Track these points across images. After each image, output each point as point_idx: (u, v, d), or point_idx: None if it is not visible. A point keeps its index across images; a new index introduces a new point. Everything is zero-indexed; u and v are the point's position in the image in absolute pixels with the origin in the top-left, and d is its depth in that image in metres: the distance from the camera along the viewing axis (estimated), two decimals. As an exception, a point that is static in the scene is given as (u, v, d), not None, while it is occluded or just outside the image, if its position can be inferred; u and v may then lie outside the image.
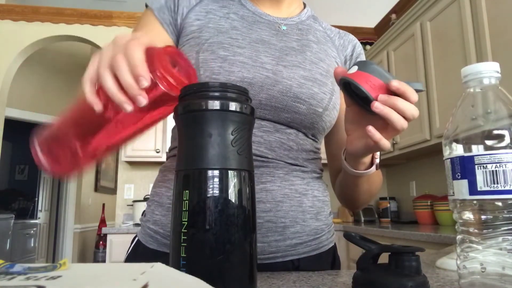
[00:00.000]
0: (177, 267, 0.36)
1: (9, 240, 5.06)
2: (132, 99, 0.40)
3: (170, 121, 1.39)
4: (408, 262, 0.39)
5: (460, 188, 0.34)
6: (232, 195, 0.37)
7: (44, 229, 6.27)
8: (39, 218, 6.11)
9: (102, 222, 4.80)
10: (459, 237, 0.36)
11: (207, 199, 0.37)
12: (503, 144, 0.33)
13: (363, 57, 0.80)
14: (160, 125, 3.19)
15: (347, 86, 0.51)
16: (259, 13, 0.72)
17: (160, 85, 0.42)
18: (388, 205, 3.25)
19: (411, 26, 2.66)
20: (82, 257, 5.39)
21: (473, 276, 0.33)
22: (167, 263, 0.29)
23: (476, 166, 0.33)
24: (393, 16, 3.26)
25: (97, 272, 0.27)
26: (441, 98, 2.31)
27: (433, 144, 2.39)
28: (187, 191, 0.37)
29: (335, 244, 0.75)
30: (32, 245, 5.79)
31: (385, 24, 3.67)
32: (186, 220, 0.37)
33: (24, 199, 6.00)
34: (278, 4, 0.75)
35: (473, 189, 0.33)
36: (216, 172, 0.37)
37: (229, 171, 0.37)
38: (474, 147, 0.34)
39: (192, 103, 0.39)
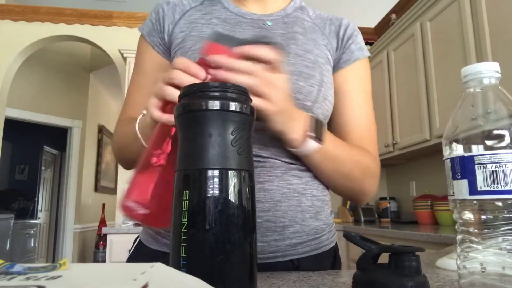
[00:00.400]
0: (177, 267, 0.36)
1: (9, 240, 5.06)
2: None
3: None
4: (408, 262, 0.39)
5: (460, 188, 0.34)
6: (232, 195, 0.37)
7: (44, 229, 6.27)
8: (39, 218, 6.12)
9: (102, 222, 4.80)
10: (459, 237, 0.36)
11: (207, 199, 0.37)
12: (503, 144, 0.33)
13: (355, 40, 0.76)
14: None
15: None
16: (242, 13, 0.72)
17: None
18: (388, 205, 3.25)
19: (411, 26, 2.66)
20: (82, 257, 5.40)
21: (473, 276, 0.33)
22: (168, 263, 0.30)
23: (476, 166, 0.33)
24: (393, 16, 3.26)
25: (97, 272, 0.27)
26: (441, 98, 2.31)
27: (433, 144, 2.39)
28: (187, 191, 0.37)
29: (336, 244, 0.74)
30: (32, 245, 5.79)
31: (385, 24, 3.67)
32: (186, 220, 0.37)
33: (24, 199, 6.00)
34: (263, 0, 0.75)
35: (473, 189, 0.33)
36: (216, 172, 0.37)
37: (229, 171, 0.37)
38: (474, 147, 0.34)
39: (192, 103, 0.39)
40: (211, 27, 0.70)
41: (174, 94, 0.49)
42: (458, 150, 0.35)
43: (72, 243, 5.13)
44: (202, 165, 0.37)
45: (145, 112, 0.60)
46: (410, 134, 2.64)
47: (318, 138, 0.60)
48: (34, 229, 5.88)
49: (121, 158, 0.74)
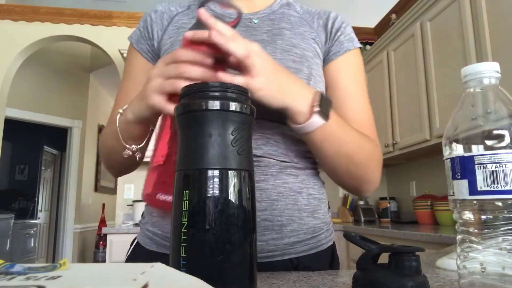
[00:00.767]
0: (177, 267, 0.36)
1: (9, 240, 5.06)
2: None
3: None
4: (408, 262, 0.39)
5: (460, 188, 0.34)
6: (232, 195, 0.37)
7: (44, 229, 6.27)
8: (39, 218, 6.12)
9: (102, 222, 4.80)
10: (459, 237, 0.36)
11: (207, 199, 0.37)
12: (503, 144, 0.33)
13: (343, 31, 0.75)
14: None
15: None
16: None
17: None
18: (388, 205, 3.25)
19: (411, 26, 2.66)
20: (82, 257, 5.40)
21: (473, 276, 0.33)
22: (166, 264, 0.29)
23: (476, 166, 0.33)
24: (393, 16, 3.26)
25: (97, 272, 0.27)
26: (441, 98, 2.31)
27: (433, 144, 2.39)
28: (187, 191, 0.37)
29: (334, 242, 0.74)
30: (32, 245, 5.79)
31: (385, 24, 3.67)
32: (186, 220, 0.37)
33: (24, 199, 6.00)
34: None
35: (473, 189, 0.33)
36: (216, 172, 0.37)
37: (229, 171, 0.37)
38: (474, 147, 0.34)
39: (192, 103, 0.39)
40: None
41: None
42: (458, 150, 0.35)
43: (72, 243, 5.13)
44: (202, 165, 0.37)
45: (121, 111, 0.62)
46: (410, 134, 2.64)
47: (325, 114, 0.57)
48: (34, 229, 5.88)
49: (110, 164, 0.74)
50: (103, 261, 4.33)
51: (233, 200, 0.37)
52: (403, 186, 3.33)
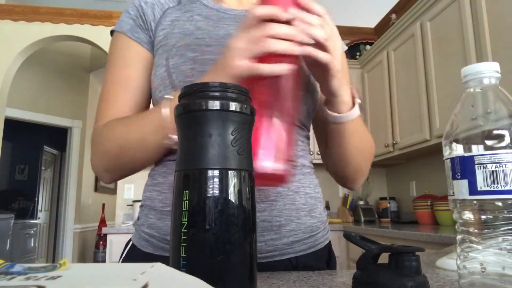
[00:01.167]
0: (177, 267, 0.36)
1: (9, 240, 5.06)
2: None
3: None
4: (408, 262, 0.39)
5: (460, 188, 0.34)
6: (232, 195, 0.37)
7: (44, 229, 6.27)
8: (39, 218, 6.12)
9: (102, 222, 4.81)
10: (459, 237, 0.36)
11: (207, 199, 0.37)
12: (503, 144, 0.33)
13: (336, 33, 0.81)
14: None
15: None
16: (223, 9, 0.72)
17: None
18: (388, 205, 3.25)
19: (411, 26, 2.66)
20: (82, 257, 5.40)
21: (473, 276, 0.33)
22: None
23: (476, 166, 0.33)
24: (393, 16, 3.26)
25: (97, 272, 0.27)
26: (441, 98, 2.31)
27: (433, 144, 2.39)
28: (187, 191, 0.37)
29: (329, 241, 0.75)
30: (32, 245, 5.79)
31: (385, 24, 3.67)
32: (186, 220, 0.37)
33: (24, 199, 6.00)
34: None
35: (473, 189, 0.33)
36: (216, 172, 0.37)
37: (229, 171, 0.37)
38: (474, 147, 0.34)
39: (192, 103, 0.39)
40: (194, 23, 0.69)
41: (287, 45, 0.48)
42: (458, 150, 0.35)
43: (72, 243, 5.13)
44: (202, 165, 0.37)
45: (171, 96, 0.57)
46: (410, 134, 2.64)
47: (361, 107, 0.62)
48: (34, 229, 5.88)
49: (122, 163, 0.65)
50: (103, 261, 4.33)
51: (233, 200, 0.37)
52: (403, 186, 3.33)
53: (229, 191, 0.37)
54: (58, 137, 5.76)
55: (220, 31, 0.68)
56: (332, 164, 0.75)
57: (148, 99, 0.74)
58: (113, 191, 5.94)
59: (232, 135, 0.38)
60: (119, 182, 3.46)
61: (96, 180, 5.82)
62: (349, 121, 0.62)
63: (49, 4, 3.62)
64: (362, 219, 3.26)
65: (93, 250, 5.17)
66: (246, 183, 0.39)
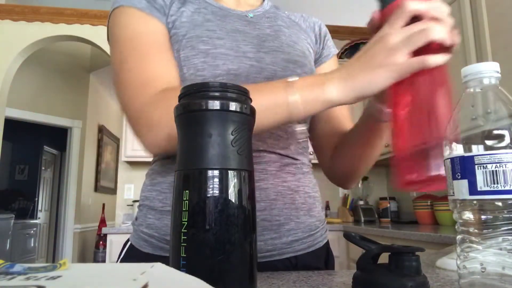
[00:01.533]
0: (177, 267, 0.36)
1: (9, 240, 5.06)
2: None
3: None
4: (408, 262, 0.39)
5: (460, 188, 0.34)
6: (232, 195, 0.37)
7: (44, 229, 6.27)
8: (39, 218, 6.12)
9: (102, 222, 4.80)
10: (459, 237, 0.36)
11: (207, 199, 0.37)
12: (503, 144, 0.33)
13: (329, 37, 0.83)
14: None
15: None
16: (226, 8, 0.73)
17: None
18: (388, 205, 3.25)
19: (411, 26, 2.65)
20: (82, 257, 5.40)
21: (473, 276, 0.33)
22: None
23: (476, 166, 0.33)
24: (393, 16, 3.26)
25: (97, 272, 0.27)
26: (441, 98, 2.31)
27: (433, 144, 2.38)
28: (187, 191, 0.37)
29: (327, 240, 0.75)
30: (32, 245, 5.79)
31: (385, 24, 3.66)
32: (186, 220, 0.37)
33: (24, 199, 6.00)
34: None
35: (473, 189, 0.33)
36: (216, 172, 0.37)
37: (229, 171, 0.37)
38: (474, 147, 0.34)
39: (192, 103, 0.39)
40: (202, 15, 0.68)
41: (446, 33, 0.49)
42: (458, 150, 0.35)
43: (72, 243, 5.13)
44: (202, 165, 0.37)
45: (296, 78, 0.52)
46: (410, 134, 2.64)
47: None
48: (34, 229, 5.88)
49: None
50: (103, 261, 4.33)
51: (233, 200, 0.37)
52: (403, 186, 3.32)
53: (229, 191, 0.37)
54: (58, 137, 5.76)
55: (228, 25, 0.68)
56: (341, 166, 0.75)
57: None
58: (113, 191, 5.95)
59: (232, 135, 0.38)
60: (119, 182, 3.47)
61: (96, 180, 5.82)
62: None
63: (49, 4, 3.62)
64: (362, 219, 3.26)
65: (93, 250, 5.17)
66: (246, 183, 0.39)
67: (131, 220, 3.25)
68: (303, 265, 0.65)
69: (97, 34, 3.61)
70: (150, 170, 0.72)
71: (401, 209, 3.31)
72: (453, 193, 0.35)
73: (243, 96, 0.40)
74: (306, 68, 0.70)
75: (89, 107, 5.48)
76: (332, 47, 0.82)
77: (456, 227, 0.36)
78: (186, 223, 0.37)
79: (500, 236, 0.32)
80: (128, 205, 3.37)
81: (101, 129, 5.95)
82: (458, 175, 0.35)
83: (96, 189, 5.80)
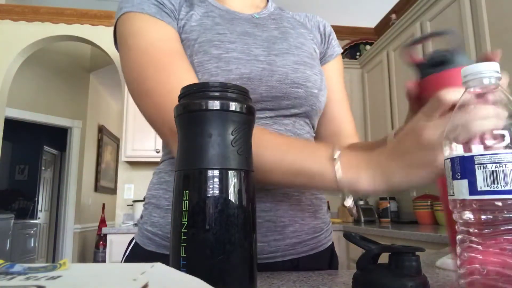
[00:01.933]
0: (177, 267, 0.36)
1: (9, 240, 5.06)
2: None
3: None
4: (408, 262, 0.39)
5: (460, 188, 0.34)
6: (232, 195, 0.37)
7: (44, 229, 6.27)
8: (39, 218, 6.12)
9: (102, 222, 4.80)
10: (459, 237, 0.36)
11: (207, 199, 0.37)
12: (503, 144, 0.33)
13: (334, 36, 0.83)
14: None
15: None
16: (232, 11, 0.73)
17: None
18: (388, 205, 3.25)
19: (411, 26, 2.66)
20: (82, 257, 5.40)
21: (473, 276, 0.33)
22: (166, 264, 0.30)
23: (476, 166, 0.33)
24: (393, 16, 3.26)
25: (97, 272, 0.27)
26: (441, 98, 2.31)
27: (433, 144, 2.38)
28: (187, 191, 0.37)
29: (332, 242, 0.75)
30: (32, 245, 5.79)
31: (385, 24, 3.67)
32: (186, 220, 0.37)
33: (24, 199, 6.00)
34: (243, 0, 0.76)
35: (473, 189, 0.33)
36: (216, 172, 0.37)
37: (229, 171, 0.37)
38: (474, 147, 0.34)
39: (192, 103, 0.39)
40: (211, 19, 0.69)
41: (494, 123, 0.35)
42: (458, 150, 0.35)
43: (72, 243, 5.13)
44: (202, 165, 0.37)
45: (339, 151, 0.49)
46: (410, 134, 2.64)
47: None
48: (34, 229, 5.88)
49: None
50: (103, 261, 4.33)
51: (233, 200, 0.37)
52: (403, 186, 3.32)
53: (229, 191, 0.37)
54: (58, 137, 5.76)
55: (237, 28, 0.69)
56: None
57: None
58: (113, 191, 5.95)
59: (232, 135, 0.38)
60: (119, 182, 3.46)
61: (96, 180, 5.82)
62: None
63: (49, 4, 3.62)
64: (362, 219, 3.26)
65: (93, 250, 5.16)
66: (246, 183, 0.39)
67: (131, 220, 3.25)
68: (305, 268, 0.65)
69: (97, 34, 3.61)
70: (158, 169, 0.73)
71: (401, 209, 3.31)
72: (453, 193, 0.35)
73: (243, 96, 0.40)
74: (315, 69, 0.70)
75: (89, 107, 5.48)
76: (337, 46, 0.83)
77: (456, 227, 0.36)
78: (186, 223, 0.37)
79: (500, 236, 0.32)
80: (128, 205, 3.37)
81: (101, 129, 5.95)
82: (458, 175, 0.35)
83: (96, 189, 5.80)
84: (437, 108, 0.42)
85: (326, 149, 0.51)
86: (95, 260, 4.85)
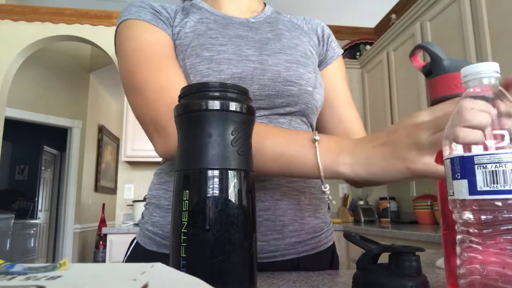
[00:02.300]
0: (177, 267, 0.36)
1: (9, 240, 5.06)
2: None
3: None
4: (408, 262, 0.39)
5: (460, 188, 0.34)
6: (232, 195, 0.37)
7: (44, 229, 6.27)
8: (39, 218, 6.12)
9: (102, 222, 4.80)
10: (459, 237, 0.36)
11: (207, 199, 0.37)
12: (503, 144, 0.33)
13: (333, 38, 0.83)
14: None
15: None
16: (228, 16, 0.74)
17: None
18: (388, 205, 3.25)
19: (411, 26, 2.66)
20: (82, 257, 5.40)
21: (473, 276, 0.33)
22: (166, 264, 0.30)
23: (476, 166, 0.33)
24: (393, 16, 3.26)
25: (97, 272, 0.27)
26: (441, 98, 2.31)
27: (433, 144, 2.38)
28: (187, 191, 0.37)
29: (333, 242, 0.75)
30: (32, 245, 5.79)
31: (385, 24, 3.67)
32: (186, 220, 0.37)
33: (24, 199, 6.00)
34: (240, 4, 0.77)
35: (473, 189, 0.33)
36: (216, 172, 0.37)
37: (229, 171, 0.37)
38: (474, 147, 0.34)
39: (192, 103, 0.39)
40: (205, 25, 0.71)
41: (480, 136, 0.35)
42: (458, 150, 0.35)
43: (72, 243, 5.13)
44: (202, 165, 0.37)
45: (317, 137, 0.50)
46: (410, 134, 2.64)
47: None
48: (34, 229, 5.87)
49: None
50: (103, 261, 4.33)
51: (233, 200, 0.37)
52: (403, 186, 3.33)
53: (229, 191, 0.37)
54: (58, 137, 5.76)
55: (230, 31, 0.70)
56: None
57: None
58: (113, 191, 5.95)
59: (232, 135, 0.38)
60: (119, 182, 3.46)
61: (96, 180, 5.82)
62: None
63: (49, 4, 3.62)
64: (362, 219, 3.26)
65: (93, 250, 5.16)
66: (246, 183, 0.39)
67: (131, 220, 3.25)
68: (305, 267, 0.65)
69: (97, 34, 3.61)
70: (159, 170, 0.73)
71: (401, 209, 3.31)
72: (453, 193, 0.35)
73: (243, 96, 0.40)
74: (309, 68, 0.70)
75: (89, 107, 5.48)
76: (337, 48, 0.83)
77: (456, 227, 0.36)
78: (186, 223, 0.37)
79: (500, 236, 0.32)
80: (128, 205, 3.37)
81: (101, 129, 5.95)
82: (458, 175, 0.35)
83: (96, 189, 5.80)
84: (441, 125, 0.42)
85: (306, 133, 0.52)
86: (95, 260, 4.85)
